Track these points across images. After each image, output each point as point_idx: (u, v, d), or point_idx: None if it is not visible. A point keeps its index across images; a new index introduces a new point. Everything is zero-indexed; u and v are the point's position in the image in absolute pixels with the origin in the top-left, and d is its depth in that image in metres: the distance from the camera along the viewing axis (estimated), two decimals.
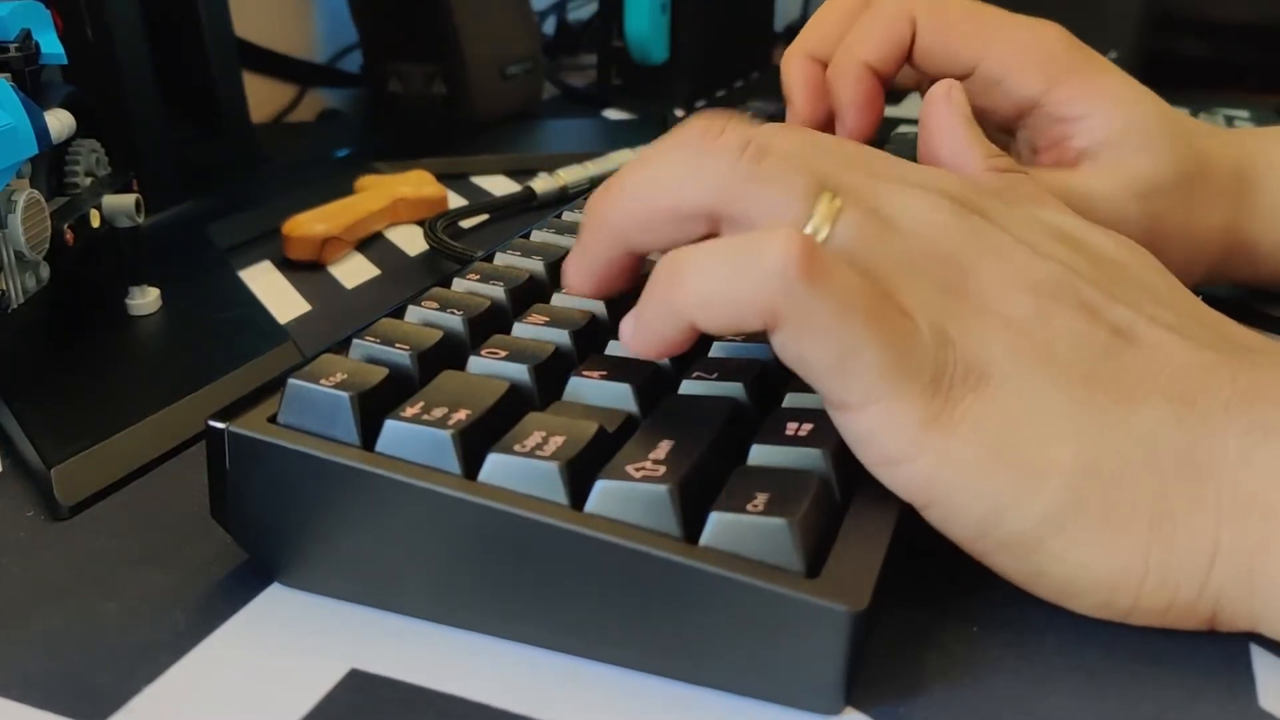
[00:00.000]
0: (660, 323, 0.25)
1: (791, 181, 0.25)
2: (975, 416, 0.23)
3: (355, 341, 0.28)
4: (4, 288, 0.33)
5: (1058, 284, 0.25)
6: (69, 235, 0.36)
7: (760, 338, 0.29)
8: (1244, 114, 0.73)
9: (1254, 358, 0.25)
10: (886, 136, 0.48)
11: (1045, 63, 0.38)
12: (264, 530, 0.26)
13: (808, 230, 0.24)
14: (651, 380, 0.28)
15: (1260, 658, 0.25)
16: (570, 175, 0.57)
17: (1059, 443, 0.23)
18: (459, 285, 0.33)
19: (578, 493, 0.24)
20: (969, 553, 0.25)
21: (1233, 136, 0.42)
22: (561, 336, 0.30)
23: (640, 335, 0.25)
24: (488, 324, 0.31)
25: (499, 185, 0.62)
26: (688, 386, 0.28)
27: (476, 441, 0.25)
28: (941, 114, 0.31)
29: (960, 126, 0.31)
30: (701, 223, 0.25)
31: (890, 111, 0.76)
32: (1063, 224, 0.28)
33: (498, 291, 0.32)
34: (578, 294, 0.29)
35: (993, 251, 0.25)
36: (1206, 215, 0.39)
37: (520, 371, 0.27)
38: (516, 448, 0.24)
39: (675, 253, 0.25)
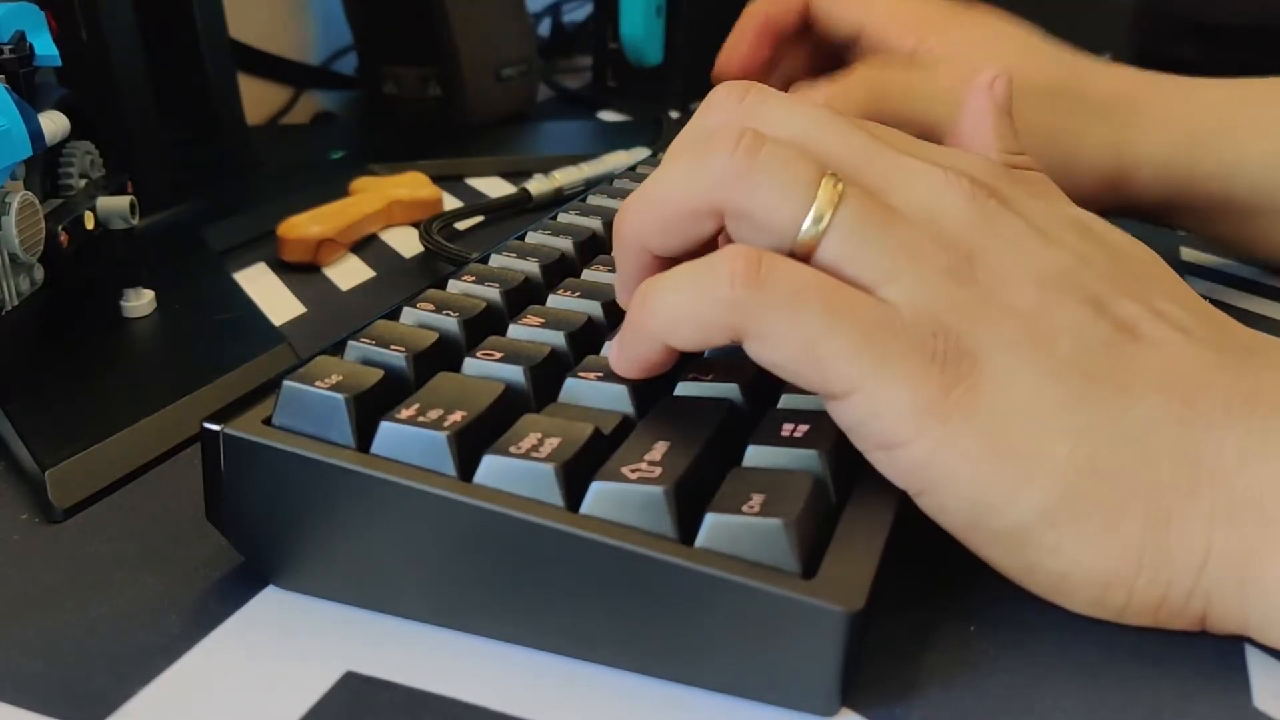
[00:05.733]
0: (638, 347, 0.26)
1: (789, 170, 0.25)
2: (969, 405, 0.23)
3: (350, 343, 0.28)
4: None
5: (1064, 275, 0.25)
6: (63, 237, 0.36)
7: None
8: None
9: (1259, 360, 0.25)
10: None
11: (916, 23, 0.44)
12: (259, 533, 0.26)
13: (810, 217, 0.24)
14: (647, 382, 0.28)
15: (1255, 658, 0.25)
16: (565, 177, 0.57)
17: (1055, 437, 0.23)
18: (454, 287, 0.33)
19: (573, 494, 0.24)
20: (963, 543, 0.25)
21: (1119, 66, 0.44)
22: (557, 338, 0.30)
23: (622, 357, 0.27)
24: (483, 326, 0.31)
25: (494, 187, 0.62)
26: (683, 388, 0.28)
27: (472, 443, 0.25)
28: (979, 99, 0.32)
29: (991, 115, 0.32)
30: (708, 219, 0.26)
31: None
32: (1080, 216, 0.28)
33: (493, 293, 0.32)
34: (624, 306, 0.28)
35: (1003, 238, 0.25)
36: (1085, 129, 0.42)
37: (516, 373, 0.27)
38: (512, 449, 0.24)
39: (646, 282, 0.26)
